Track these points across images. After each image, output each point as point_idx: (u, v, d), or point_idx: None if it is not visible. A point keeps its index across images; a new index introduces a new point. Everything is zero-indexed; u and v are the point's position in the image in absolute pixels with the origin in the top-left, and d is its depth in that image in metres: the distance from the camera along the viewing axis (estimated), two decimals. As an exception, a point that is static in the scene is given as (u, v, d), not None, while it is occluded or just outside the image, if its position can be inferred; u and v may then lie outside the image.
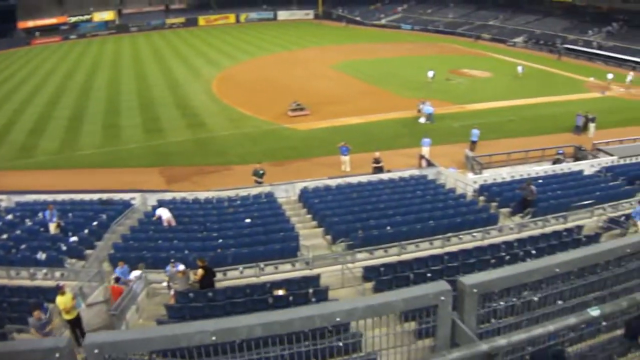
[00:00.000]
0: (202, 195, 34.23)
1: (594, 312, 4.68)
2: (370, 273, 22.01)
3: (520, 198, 31.43)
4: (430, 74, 74.76)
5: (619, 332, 5.36)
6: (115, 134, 52.05)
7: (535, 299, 5.04)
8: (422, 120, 55.23)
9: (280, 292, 19.33)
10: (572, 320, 4.62)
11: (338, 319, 4.05)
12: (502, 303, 4.91)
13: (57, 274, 23.39)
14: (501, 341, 4.30)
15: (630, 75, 77.83)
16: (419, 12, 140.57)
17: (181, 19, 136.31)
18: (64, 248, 25.78)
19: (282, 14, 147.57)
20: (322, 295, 19.53)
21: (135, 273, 22.45)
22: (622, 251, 5.35)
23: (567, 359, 4.56)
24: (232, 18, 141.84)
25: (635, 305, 5.08)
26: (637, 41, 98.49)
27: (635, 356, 5.40)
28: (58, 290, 18.60)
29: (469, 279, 4.54)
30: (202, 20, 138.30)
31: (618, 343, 5.41)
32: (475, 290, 4.51)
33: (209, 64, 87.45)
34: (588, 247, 5.32)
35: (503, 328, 4.86)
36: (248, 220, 28.94)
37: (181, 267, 21.06)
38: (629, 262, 5.57)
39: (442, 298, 4.37)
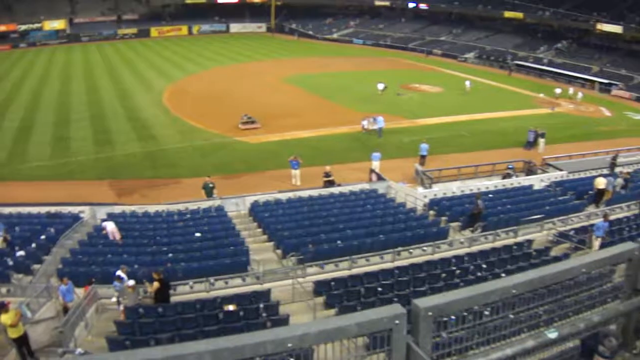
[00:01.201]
0: (152, 208, 33.94)
1: (552, 334, 4.83)
2: (321, 287, 22.09)
3: (469, 212, 31.95)
4: (381, 86, 76.21)
5: (570, 344, 5.48)
6: (65, 146, 51.27)
7: (488, 319, 5.07)
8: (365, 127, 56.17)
9: (231, 308, 19.31)
10: (530, 343, 4.73)
11: (290, 345, 4.04)
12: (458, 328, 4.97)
13: (3, 289, 22.94)
14: None
15: (581, 93, 79.58)
16: (371, 27, 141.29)
17: (133, 30, 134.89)
18: (11, 263, 25.07)
19: (235, 27, 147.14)
20: (273, 310, 19.57)
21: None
22: (578, 271, 5.48)
23: None
24: (184, 30, 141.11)
25: (592, 326, 5.28)
26: (585, 59, 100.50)
27: None
28: (1, 308, 17.94)
29: (424, 302, 4.56)
30: (154, 31, 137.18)
31: (569, 356, 5.58)
32: (430, 314, 4.53)
33: (161, 75, 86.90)
34: (544, 268, 5.44)
35: (457, 350, 4.92)
36: (198, 234, 28.84)
37: (130, 282, 20.88)
38: (585, 282, 5.82)
39: (397, 322, 4.38)
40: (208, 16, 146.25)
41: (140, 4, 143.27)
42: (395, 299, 20.02)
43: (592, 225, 28.39)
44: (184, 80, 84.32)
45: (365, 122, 56.56)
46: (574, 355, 5.59)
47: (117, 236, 28.27)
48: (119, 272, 21.59)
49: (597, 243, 26.05)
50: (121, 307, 20.41)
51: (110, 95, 72.51)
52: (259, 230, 31.54)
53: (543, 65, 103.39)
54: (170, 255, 25.87)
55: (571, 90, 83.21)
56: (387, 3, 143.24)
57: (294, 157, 42.44)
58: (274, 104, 67.47)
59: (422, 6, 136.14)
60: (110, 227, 28.29)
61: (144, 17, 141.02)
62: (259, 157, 48.92)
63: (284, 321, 18.46)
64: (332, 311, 20.04)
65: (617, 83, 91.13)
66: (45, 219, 32.28)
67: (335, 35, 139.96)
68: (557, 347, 5.20)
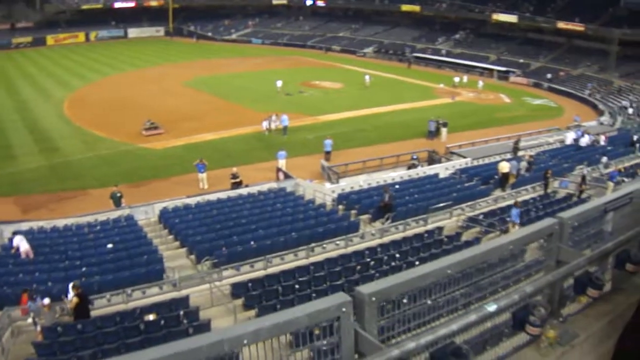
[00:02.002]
0: (61, 222, 32.96)
1: (491, 307, 4.98)
2: (238, 289, 22.00)
3: (378, 204, 32.30)
4: (279, 83, 76.33)
5: (505, 316, 5.64)
6: (-38, 163, 49.35)
7: (429, 301, 5.22)
8: (267, 130, 56.32)
9: (151, 317, 19.06)
10: (472, 317, 4.85)
11: (245, 341, 4.05)
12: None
13: None
14: (410, 345, 4.45)
15: (481, 81, 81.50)
16: (270, 26, 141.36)
17: (28, 38, 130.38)
18: None
19: (133, 32, 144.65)
20: (193, 316, 19.39)
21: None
22: (506, 248, 5.79)
23: (466, 354, 4.83)
24: (81, 37, 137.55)
25: (526, 297, 5.46)
26: (482, 48, 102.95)
27: (520, 336, 5.77)
28: None
29: (367, 288, 4.70)
30: (50, 39, 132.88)
31: (504, 326, 5.74)
32: (374, 299, 4.65)
33: (60, 85, 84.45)
34: (475, 247, 5.67)
35: (404, 332, 5.09)
36: (110, 246, 28.18)
37: (46, 300, 20.36)
38: (512, 259, 6.01)
39: (344, 309, 4.48)
40: (105, 22, 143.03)
41: (35, 11, 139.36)
42: (314, 295, 20.19)
43: (505, 212, 29.29)
44: (84, 88, 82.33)
45: (265, 123, 56.47)
46: (506, 329, 5.76)
47: (31, 255, 27.55)
48: (30, 302, 21.14)
49: (515, 229, 26.71)
50: (38, 328, 19.68)
51: (7, 107, 69.86)
52: (171, 237, 31.17)
53: (442, 56, 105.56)
54: (84, 269, 25.21)
55: (465, 78, 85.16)
56: (285, 1, 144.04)
57: (199, 161, 42.05)
58: (176, 108, 66.75)
59: (320, 3, 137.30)
60: (25, 246, 27.50)
61: (39, 24, 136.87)
62: (164, 162, 48.32)
63: (205, 326, 18.33)
64: (252, 312, 19.99)
65: (515, 70, 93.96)
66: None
67: (234, 36, 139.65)
68: (491, 322, 5.35)
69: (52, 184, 43.68)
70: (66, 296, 20.94)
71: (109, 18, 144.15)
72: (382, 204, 32.02)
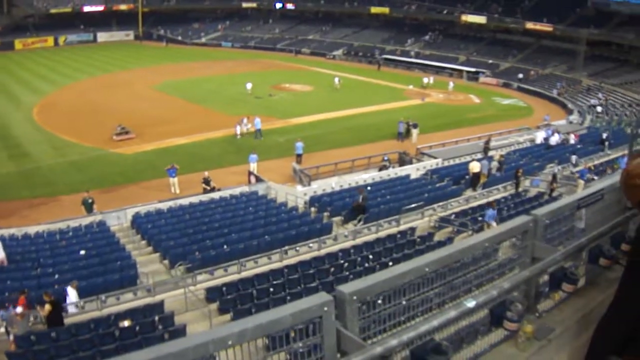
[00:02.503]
0: (32, 229, 32.67)
1: (470, 303, 5.04)
2: (213, 294, 21.96)
3: (351, 206, 32.41)
4: (249, 85, 76.94)
5: (481, 314, 5.75)
6: None
7: (404, 301, 5.27)
8: (238, 134, 56.06)
9: (126, 323, 18.94)
10: (452, 313, 4.89)
11: (230, 342, 4.05)
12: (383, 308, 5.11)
13: None
14: (392, 342, 4.49)
15: (452, 82, 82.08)
16: (240, 29, 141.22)
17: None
18: None
19: (102, 36, 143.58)
20: (168, 321, 19.33)
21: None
22: (482, 245, 5.88)
23: (446, 351, 4.89)
24: (50, 41, 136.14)
25: (504, 292, 5.54)
26: (451, 49, 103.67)
27: (497, 333, 5.86)
28: None
29: (347, 287, 4.74)
30: (18, 43, 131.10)
31: (480, 324, 5.83)
32: (355, 298, 4.70)
33: (29, 90, 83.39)
34: (451, 246, 5.77)
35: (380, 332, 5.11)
36: (83, 252, 27.98)
37: (18, 309, 20.19)
38: (484, 257, 6.12)
39: (325, 309, 4.51)
40: (74, 26, 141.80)
41: (2, 15, 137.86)
42: (288, 298, 20.21)
43: (477, 212, 29.50)
44: (53, 93, 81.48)
45: (238, 127, 56.37)
46: (482, 327, 5.84)
47: (6, 263, 27.29)
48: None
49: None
50: (11, 337, 19.45)
51: (-26, 114, 69.33)
52: (144, 242, 31.05)
53: (411, 57, 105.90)
54: (57, 276, 25.02)
55: (431, 79, 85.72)
56: (254, 5, 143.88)
57: (170, 166, 41.89)
58: (147, 112, 66.38)
59: (289, 6, 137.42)
60: (1, 254, 27.25)
61: (7, 28, 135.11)
62: (136, 167, 48.03)
63: (181, 331, 18.27)
64: (228, 316, 20.00)
65: (484, 71, 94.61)
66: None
67: (203, 40, 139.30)
68: (467, 320, 5.43)
69: (23, 190, 43.19)
70: (65, 300, 20.86)
71: (78, 22, 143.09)
72: (355, 204, 32.14)
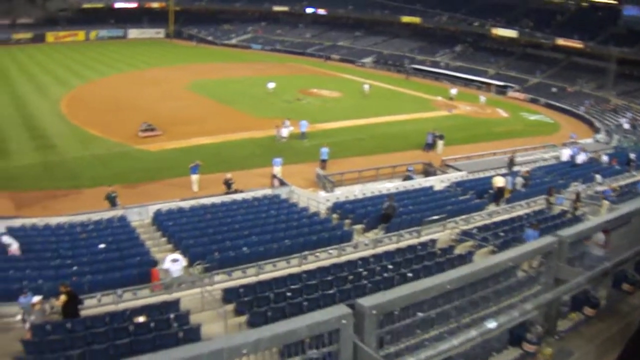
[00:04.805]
0: (54, 220, 32.80)
1: (491, 324, 4.98)
2: (230, 295, 21.81)
3: (381, 214, 32.26)
4: (271, 85, 77.81)
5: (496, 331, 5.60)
6: (-44, 157, 49.01)
7: (421, 314, 5.21)
8: (284, 137, 55.95)
9: (141, 319, 18.90)
10: (473, 333, 4.83)
11: (245, 351, 4.01)
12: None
13: None
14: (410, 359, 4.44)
15: (483, 97, 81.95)
16: (270, 32, 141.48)
17: (28, 35, 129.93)
18: None
19: (133, 32, 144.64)
20: (183, 320, 19.24)
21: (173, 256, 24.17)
22: (505, 264, 5.75)
23: None
24: (81, 35, 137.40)
25: (526, 314, 5.44)
26: (481, 62, 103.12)
27: (511, 351, 5.76)
28: None
29: (367, 301, 4.66)
30: (50, 36, 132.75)
31: (495, 340, 5.75)
32: (374, 312, 4.63)
33: (58, 82, 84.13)
34: (474, 264, 5.67)
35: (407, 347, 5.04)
36: (102, 246, 28.02)
37: (35, 298, 20.28)
38: (510, 276, 5.98)
39: (344, 322, 4.44)
40: (105, 21, 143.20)
41: (36, 8, 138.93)
42: (305, 303, 20.08)
43: (499, 226, 29.24)
44: (82, 87, 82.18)
45: (283, 130, 56.23)
46: (498, 345, 5.75)
47: (18, 253, 27.36)
48: (21, 299, 21.09)
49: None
50: (27, 325, 19.48)
51: (4, 103, 69.65)
52: (164, 239, 30.93)
53: (440, 68, 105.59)
54: (75, 268, 25.05)
55: (454, 91, 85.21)
56: (286, 8, 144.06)
57: (194, 163, 42.07)
58: (174, 110, 66.75)
59: (321, 11, 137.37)
60: (15, 244, 27.38)
61: (40, 21, 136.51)
62: (159, 165, 48.20)
63: (195, 331, 18.20)
64: (243, 318, 19.88)
65: (513, 85, 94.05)
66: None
67: (234, 41, 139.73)
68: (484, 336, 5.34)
69: (47, 181, 43.54)
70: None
71: (110, 18, 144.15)
72: (383, 211, 32.06)
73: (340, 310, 4.50)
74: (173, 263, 24.53)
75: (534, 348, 5.58)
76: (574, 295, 6.44)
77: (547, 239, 6.16)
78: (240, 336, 4.12)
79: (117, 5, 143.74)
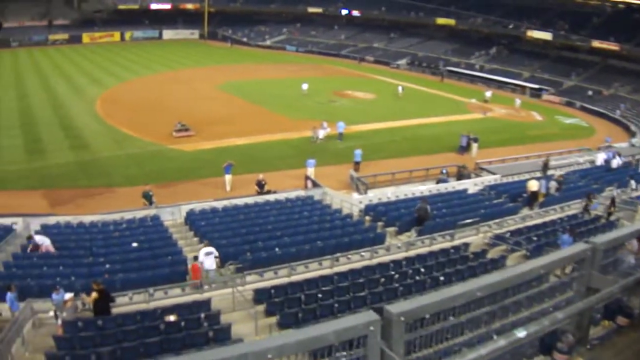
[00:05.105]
0: (87, 219, 33.15)
1: (520, 333, 4.91)
2: (261, 295, 21.83)
3: (416, 216, 32.13)
4: (305, 86, 78.34)
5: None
6: (-6, 155, 49.71)
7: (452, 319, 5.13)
8: (320, 138, 56.17)
9: (172, 318, 18.98)
10: (501, 342, 4.78)
11: (270, 356, 3.98)
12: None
13: None
14: None
15: (519, 99, 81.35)
16: (305, 34, 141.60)
17: (64, 36, 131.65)
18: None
19: (167, 33, 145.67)
20: (214, 320, 19.28)
21: (206, 250, 24.56)
22: (537, 272, 5.62)
23: None
24: (117, 36, 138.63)
25: (557, 323, 5.37)
26: (516, 65, 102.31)
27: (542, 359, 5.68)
28: None
29: (396, 307, 4.60)
30: (86, 37, 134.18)
31: (527, 346, 5.65)
32: (402, 319, 4.58)
33: (93, 82, 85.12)
34: (505, 270, 5.57)
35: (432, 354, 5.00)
36: (135, 245, 28.30)
37: (67, 295, 20.46)
38: (540, 282, 5.89)
39: (371, 328, 4.40)
40: (140, 22, 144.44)
41: (72, 9, 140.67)
42: (336, 305, 20.06)
43: (531, 231, 28.94)
44: (117, 87, 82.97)
45: (320, 132, 56.50)
46: (530, 350, 5.67)
47: (52, 249, 27.64)
48: (54, 295, 21.23)
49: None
50: (59, 322, 19.70)
51: (41, 102, 70.57)
52: (196, 239, 31.08)
53: (475, 71, 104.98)
54: (107, 266, 25.26)
55: (489, 94, 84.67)
56: (320, 10, 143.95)
57: (227, 163, 42.26)
58: (208, 111, 67.14)
59: (355, 13, 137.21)
60: (47, 242, 27.61)
61: (76, 22, 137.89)
62: (193, 165, 48.49)
63: (225, 330, 18.26)
64: (274, 319, 19.90)
65: (548, 88, 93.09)
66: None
67: (268, 42, 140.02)
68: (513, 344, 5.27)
69: (81, 179, 44.03)
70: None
71: (145, 19, 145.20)
72: (416, 213, 31.97)
73: (367, 316, 4.44)
74: (207, 256, 24.71)
75: (565, 358, 5.48)
76: (608, 303, 6.34)
77: (580, 246, 6.04)
78: (266, 341, 4.09)
79: (153, 6, 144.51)
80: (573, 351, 5.53)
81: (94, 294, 19.98)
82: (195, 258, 24.59)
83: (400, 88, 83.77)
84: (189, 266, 24.79)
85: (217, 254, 25.22)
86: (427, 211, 31.94)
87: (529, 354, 5.71)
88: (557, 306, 5.91)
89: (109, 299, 20.52)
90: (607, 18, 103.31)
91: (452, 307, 5.03)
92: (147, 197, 36.71)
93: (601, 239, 6.32)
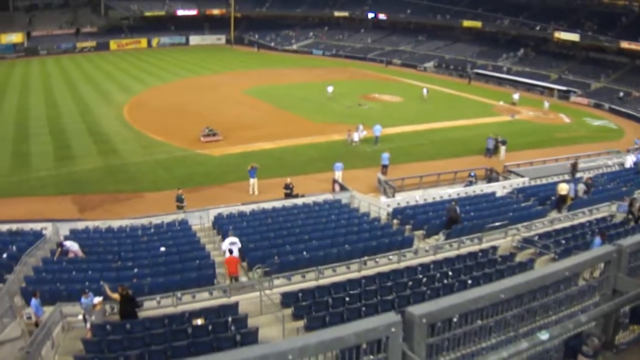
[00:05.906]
0: (116, 223, 33.48)
1: (543, 336, 4.88)
2: (288, 299, 21.90)
3: (447, 218, 32.04)
4: (330, 89, 78.80)
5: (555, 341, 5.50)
6: (25, 162, 50.12)
7: (480, 322, 5.12)
8: (355, 141, 56.45)
9: (199, 322, 19.06)
10: (524, 345, 4.75)
11: (290, 357, 3.99)
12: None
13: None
14: None
15: (547, 102, 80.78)
16: (331, 37, 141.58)
17: (92, 43, 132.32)
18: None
19: (194, 39, 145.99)
20: (241, 323, 19.33)
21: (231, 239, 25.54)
22: (562, 274, 5.58)
23: None
24: (143, 43, 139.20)
25: (581, 326, 5.32)
26: (543, 67, 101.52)
27: None
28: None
29: (418, 309, 4.61)
30: (113, 44, 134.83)
31: (554, 351, 5.60)
32: (424, 321, 4.58)
33: (121, 89, 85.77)
34: (529, 272, 5.50)
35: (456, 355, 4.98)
36: (163, 249, 28.49)
37: (96, 299, 20.60)
38: (567, 285, 5.84)
39: (393, 330, 4.40)
40: (167, 28, 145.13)
41: (99, 17, 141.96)
42: (364, 309, 20.03)
43: (560, 234, 28.67)
44: (144, 93, 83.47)
45: (355, 135, 56.71)
46: (555, 354, 5.62)
47: (80, 254, 27.86)
48: (83, 299, 21.38)
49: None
50: (88, 325, 19.93)
51: (70, 109, 71.24)
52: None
53: (502, 73, 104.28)
54: (135, 270, 25.49)
55: (517, 96, 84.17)
56: (347, 14, 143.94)
57: (250, 167, 42.50)
58: (235, 116, 67.37)
59: (381, 16, 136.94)
60: (75, 247, 27.86)
61: (103, 30, 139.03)
62: (221, 169, 48.76)
63: (253, 334, 18.30)
64: (301, 322, 19.91)
65: (576, 90, 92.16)
66: (6, 236, 31.31)
67: (295, 47, 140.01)
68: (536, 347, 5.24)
69: (109, 185, 44.41)
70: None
71: (171, 25, 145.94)
72: (454, 216, 31.89)
73: (389, 318, 4.43)
74: (232, 245, 24.93)
75: (590, 362, 5.45)
76: (634, 306, 6.27)
77: (606, 248, 5.99)
78: (287, 342, 4.10)
79: (179, 12, 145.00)
80: (599, 355, 5.47)
81: (116, 295, 20.36)
82: (230, 252, 24.91)
83: (425, 90, 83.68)
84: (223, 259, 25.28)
85: (240, 245, 25.45)
86: (456, 211, 31.86)
87: (556, 359, 5.65)
88: (584, 310, 5.87)
89: (134, 304, 20.67)
90: (635, 18, 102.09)
91: (478, 310, 5.02)
92: (180, 200, 37.34)
93: (627, 241, 6.26)
